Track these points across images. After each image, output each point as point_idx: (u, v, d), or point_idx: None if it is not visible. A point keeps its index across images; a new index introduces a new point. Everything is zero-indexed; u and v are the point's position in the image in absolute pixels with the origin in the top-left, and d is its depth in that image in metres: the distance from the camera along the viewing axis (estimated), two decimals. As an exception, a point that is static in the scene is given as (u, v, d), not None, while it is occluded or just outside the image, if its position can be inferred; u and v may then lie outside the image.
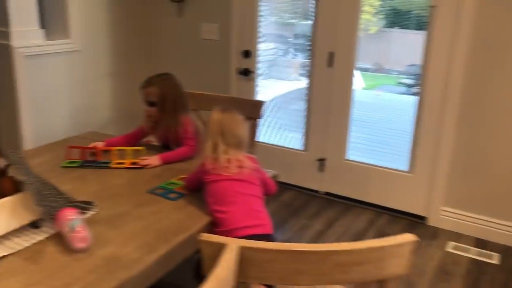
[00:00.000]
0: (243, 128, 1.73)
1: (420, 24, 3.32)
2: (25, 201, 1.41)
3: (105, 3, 3.66)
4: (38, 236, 1.41)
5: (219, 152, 1.65)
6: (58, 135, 3.42)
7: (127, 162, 2.03)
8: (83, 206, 1.57)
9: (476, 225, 3.07)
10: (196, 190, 1.78)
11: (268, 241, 1.54)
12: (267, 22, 3.75)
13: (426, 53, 3.03)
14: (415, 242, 1.10)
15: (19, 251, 1.33)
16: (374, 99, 5.50)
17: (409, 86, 5.14)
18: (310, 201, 3.50)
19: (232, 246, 1.04)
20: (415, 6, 3.61)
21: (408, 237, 1.09)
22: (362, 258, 1.07)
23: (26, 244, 1.36)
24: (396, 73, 5.27)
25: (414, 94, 4.88)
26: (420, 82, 3.14)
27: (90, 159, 2.06)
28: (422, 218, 3.27)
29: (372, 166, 3.40)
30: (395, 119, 4.63)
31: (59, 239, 1.39)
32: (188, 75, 3.95)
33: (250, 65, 3.65)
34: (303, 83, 3.81)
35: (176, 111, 2.16)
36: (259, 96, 3.77)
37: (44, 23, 3.46)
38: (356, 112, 3.42)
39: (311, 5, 3.40)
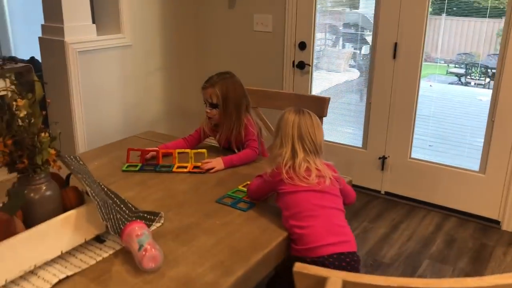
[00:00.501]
0: (321, 132, 1.56)
1: (471, 10, 3.03)
2: (90, 214, 1.30)
3: (156, -4, 3.56)
4: (103, 253, 1.30)
5: (299, 159, 1.49)
6: (109, 131, 3.38)
7: (189, 166, 1.91)
8: (149, 217, 1.45)
9: (560, 231, 2.79)
10: (262, 200, 1.63)
11: (354, 259, 1.38)
12: (318, 11, 3.54)
13: (504, 43, 2.75)
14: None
15: (84, 270, 1.22)
16: (429, 91, 5.20)
17: (460, 75, 4.83)
18: (371, 202, 3.30)
19: (335, 280, 0.88)
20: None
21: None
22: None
23: (92, 262, 1.25)
24: (443, 62, 4.97)
25: (465, 84, 4.55)
26: (495, 74, 2.87)
27: (151, 163, 1.95)
28: (495, 222, 3.01)
29: (438, 165, 3.16)
30: (458, 114, 4.33)
31: (126, 255, 1.28)
32: (240, 69, 3.79)
33: (305, 58, 3.47)
34: (354, 74, 3.58)
35: (238, 112, 2.03)
36: (314, 90, 3.59)
37: (95, 17, 3.39)
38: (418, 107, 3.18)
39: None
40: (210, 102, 2.00)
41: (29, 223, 1.21)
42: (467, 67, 4.78)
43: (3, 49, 4.71)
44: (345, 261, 1.36)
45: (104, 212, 1.27)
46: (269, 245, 1.36)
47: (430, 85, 5.45)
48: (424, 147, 3.40)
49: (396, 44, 3.09)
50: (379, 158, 3.31)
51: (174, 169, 1.89)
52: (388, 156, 3.29)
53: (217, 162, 1.90)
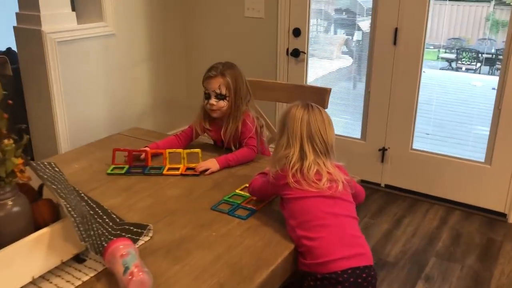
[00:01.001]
0: (333, 130, 1.39)
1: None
2: (67, 230, 1.11)
3: (140, -19, 3.34)
4: (83, 275, 1.12)
5: (308, 161, 1.32)
6: (93, 127, 3.17)
7: (181, 167, 1.73)
8: (136, 230, 1.27)
9: None
10: (266, 201, 1.48)
11: (371, 274, 1.22)
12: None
13: (513, 26, 2.59)
14: None
15: (61, 298, 1.04)
16: (423, 78, 5.06)
17: (450, 61, 4.71)
18: (371, 196, 3.15)
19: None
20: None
21: None
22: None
23: (70, 288, 1.07)
24: (432, 47, 4.85)
25: (456, 69, 4.41)
26: (502, 61, 2.71)
27: (139, 164, 1.76)
28: (502, 215, 2.88)
29: (441, 156, 3.02)
30: (455, 101, 4.18)
31: (110, 278, 1.10)
32: (230, 58, 3.55)
33: (300, 45, 3.28)
34: (347, 61, 3.41)
35: (243, 105, 1.85)
36: (309, 79, 3.42)
37: (75, 5, 3.17)
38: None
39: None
40: (218, 93, 1.81)
41: (-7, 246, 1.03)
42: (458, 52, 4.64)
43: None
44: (361, 277, 1.20)
45: (83, 230, 1.09)
46: (275, 261, 1.19)
47: (424, 71, 5.30)
48: (425, 137, 3.25)
49: (396, 29, 2.91)
50: (379, 149, 3.15)
51: (165, 172, 1.70)
52: (389, 148, 3.13)
53: (212, 163, 1.72)
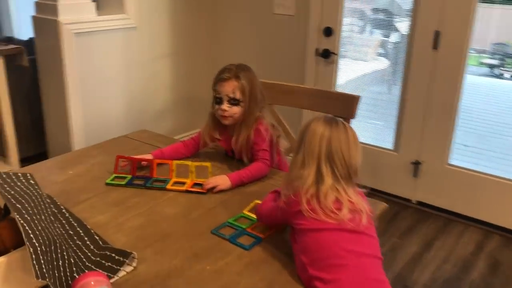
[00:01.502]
0: (358, 152, 1.16)
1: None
2: (29, 260, 0.94)
3: (164, -28, 3.18)
4: (46, 314, 0.94)
5: (325, 186, 1.11)
6: (110, 124, 3.04)
7: (188, 182, 1.54)
8: (117, 258, 1.09)
9: None
10: (276, 228, 1.27)
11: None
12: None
13: None
14: None
15: None
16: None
17: (493, 67, 4.38)
18: (400, 212, 2.90)
19: None
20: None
21: None
22: None
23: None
24: (474, 51, 4.53)
25: (498, 76, 4.07)
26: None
27: (142, 175, 1.58)
28: (547, 243, 2.58)
29: (481, 174, 2.73)
30: (498, 111, 3.85)
31: (77, 319, 0.92)
32: (256, 57, 3.43)
33: (330, 45, 3.05)
34: (383, 64, 3.15)
35: (257, 111, 1.65)
36: (340, 81, 3.18)
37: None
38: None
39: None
40: (232, 97, 1.61)
41: None
42: (502, 58, 4.31)
43: (4, 28, 4.40)
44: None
45: (44, 261, 0.91)
46: (278, 310, 0.98)
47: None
48: (463, 150, 2.97)
49: (437, 32, 2.65)
50: (412, 162, 2.89)
51: (169, 186, 1.51)
52: (423, 161, 2.87)
53: (222, 180, 1.51)
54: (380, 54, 3.70)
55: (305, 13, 3.07)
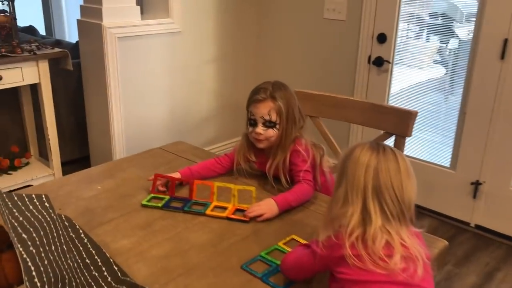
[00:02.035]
0: (413, 184, 0.98)
1: None
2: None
3: (211, -24, 3.08)
4: None
5: (373, 227, 0.94)
6: (152, 129, 2.98)
7: (230, 207, 1.39)
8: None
9: None
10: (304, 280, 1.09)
11: None
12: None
13: None
14: None
15: None
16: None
17: None
18: (457, 236, 2.65)
19: None
20: None
21: None
22: None
23: None
24: None
25: None
26: None
27: (180, 196, 1.45)
28: None
29: (552, 199, 2.45)
30: None
31: None
32: (304, 64, 3.27)
33: (384, 53, 2.85)
34: (439, 71, 2.94)
35: (295, 132, 1.51)
36: (393, 90, 2.97)
37: (140, -1, 2.99)
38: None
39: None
40: (267, 119, 1.48)
41: None
42: None
43: (56, 30, 4.47)
44: None
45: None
46: None
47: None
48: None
49: (506, 41, 2.39)
50: (472, 183, 2.63)
51: (209, 211, 1.37)
52: (484, 182, 2.60)
53: (268, 206, 1.35)
54: (436, 62, 3.47)
55: (357, 18, 2.88)
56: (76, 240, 1.07)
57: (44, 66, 2.69)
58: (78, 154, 3.27)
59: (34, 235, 0.87)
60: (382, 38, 2.83)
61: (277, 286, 1.05)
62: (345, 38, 2.96)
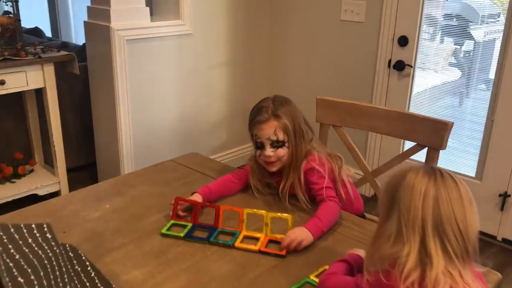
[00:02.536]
0: (476, 216, 0.84)
1: None
2: None
3: (223, -24, 2.95)
4: None
5: (435, 270, 0.80)
6: (161, 136, 2.86)
7: (262, 238, 1.22)
8: None
9: None
10: None
11: None
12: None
13: None
14: None
15: None
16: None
17: None
18: (483, 251, 2.50)
19: None
20: None
21: None
22: None
23: None
24: None
25: None
26: None
27: (205, 224, 1.29)
28: None
29: None
30: None
31: None
32: (319, 68, 3.11)
33: (405, 56, 2.71)
34: (455, 74, 2.87)
35: (305, 147, 1.40)
36: (414, 98, 2.83)
37: (149, 0, 2.86)
38: None
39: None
40: (275, 139, 1.36)
41: None
42: None
43: (63, 32, 4.35)
44: None
45: None
46: None
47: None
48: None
49: (539, 43, 2.25)
50: (500, 195, 2.49)
51: (238, 244, 1.19)
52: (512, 194, 2.46)
53: (303, 231, 1.20)
54: (452, 64, 3.35)
55: (377, 20, 2.74)
56: (82, 275, 0.94)
57: (50, 70, 2.57)
58: (85, 161, 3.17)
59: (33, 277, 0.74)
60: (403, 41, 2.69)
61: (312, 330, 0.92)
62: (364, 41, 2.82)
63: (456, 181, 0.85)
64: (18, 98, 2.80)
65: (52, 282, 0.78)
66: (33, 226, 0.87)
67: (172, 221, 1.29)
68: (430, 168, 0.86)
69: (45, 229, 0.88)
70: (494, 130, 2.47)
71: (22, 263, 0.77)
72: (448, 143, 1.57)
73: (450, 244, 0.80)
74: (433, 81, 3.29)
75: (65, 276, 0.85)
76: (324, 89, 2.98)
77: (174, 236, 1.23)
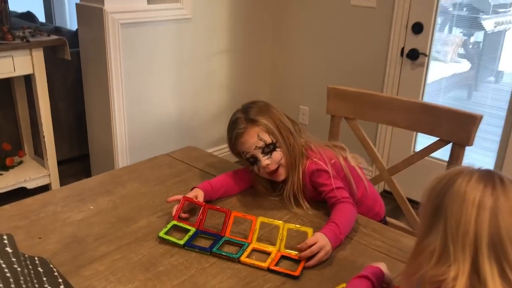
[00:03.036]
0: None
1: None
2: None
3: (225, -44, 2.78)
4: None
5: None
6: (156, 123, 2.70)
7: (274, 252, 1.04)
8: None
9: None
10: None
11: None
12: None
13: None
14: None
15: None
16: None
17: None
18: None
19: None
20: None
21: None
22: None
23: None
24: None
25: None
26: None
27: (210, 231, 1.12)
28: None
29: None
30: None
31: None
32: (328, 57, 2.93)
33: (419, 45, 2.54)
34: (464, 66, 2.77)
35: (298, 142, 1.26)
36: (428, 90, 2.66)
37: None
38: None
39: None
40: (263, 145, 1.21)
41: None
42: None
43: (56, 17, 4.17)
44: None
45: None
46: None
47: None
48: None
49: None
50: (520, 194, 2.32)
51: (244, 258, 1.02)
52: (534, 193, 2.29)
53: (323, 238, 1.03)
54: (461, 55, 3.21)
55: (390, 5, 2.57)
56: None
57: (39, 55, 2.40)
58: (77, 152, 3.04)
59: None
60: (418, 28, 2.51)
61: None
62: (375, 27, 2.65)
63: None
64: (6, 85, 2.64)
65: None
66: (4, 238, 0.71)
67: (173, 222, 1.12)
68: (487, 172, 0.69)
69: (5, 241, 0.72)
70: (515, 125, 2.31)
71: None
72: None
73: (509, 265, 0.64)
74: (442, 73, 3.13)
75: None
76: (332, 79, 2.81)
77: (172, 242, 1.06)
